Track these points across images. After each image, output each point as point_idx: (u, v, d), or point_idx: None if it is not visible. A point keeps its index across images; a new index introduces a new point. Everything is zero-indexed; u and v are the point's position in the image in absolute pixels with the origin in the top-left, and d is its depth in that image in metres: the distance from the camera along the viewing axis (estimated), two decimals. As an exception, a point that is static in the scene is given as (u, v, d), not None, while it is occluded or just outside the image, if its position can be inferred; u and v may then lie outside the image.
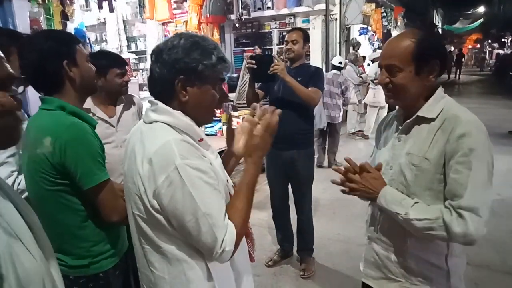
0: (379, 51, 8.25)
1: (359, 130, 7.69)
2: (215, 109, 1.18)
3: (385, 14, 12.43)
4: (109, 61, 2.14)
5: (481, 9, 20.98)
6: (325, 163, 5.95)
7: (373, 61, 7.92)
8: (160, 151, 1.00)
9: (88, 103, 2.09)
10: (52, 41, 1.33)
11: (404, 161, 1.27)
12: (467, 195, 1.14)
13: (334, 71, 5.96)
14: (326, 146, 5.95)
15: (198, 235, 1.00)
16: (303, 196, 2.98)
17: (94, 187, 1.30)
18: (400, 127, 1.34)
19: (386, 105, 7.33)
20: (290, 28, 10.83)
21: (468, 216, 1.13)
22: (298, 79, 2.66)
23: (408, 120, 1.29)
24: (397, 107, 1.38)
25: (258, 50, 6.71)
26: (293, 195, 3.02)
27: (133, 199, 1.09)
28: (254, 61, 2.45)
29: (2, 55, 0.72)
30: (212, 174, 1.04)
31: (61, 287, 0.85)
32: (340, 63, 6.13)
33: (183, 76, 1.06)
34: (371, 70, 7.63)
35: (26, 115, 1.75)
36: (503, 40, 18.91)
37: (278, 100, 2.73)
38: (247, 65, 2.49)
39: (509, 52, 13.81)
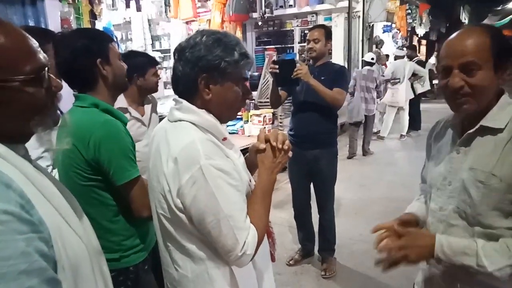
0: (402, 49, 8.06)
1: (378, 131, 7.56)
2: (239, 106, 1.18)
3: (409, 11, 12.14)
4: (147, 61, 2.23)
5: (511, 5, 20.23)
6: (359, 151, 6.38)
7: (395, 58, 7.77)
8: (185, 150, 1.00)
9: (123, 102, 2.16)
10: (86, 39, 1.36)
11: (468, 177, 1.10)
12: None
13: (368, 67, 6.29)
14: (363, 136, 6.41)
15: (218, 236, 1.00)
16: (326, 196, 2.97)
17: (126, 183, 1.34)
18: (457, 137, 1.17)
19: (407, 107, 7.20)
20: (311, 26, 10.79)
21: None
22: (322, 78, 2.64)
23: (470, 131, 1.12)
24: (452, 113, 1.21)
25: (272, 54, 6.69)
26: (315, 194, 3.00)
27: (157, 198, 1.09)
28: (276, 66, 2.44)
29: (37, 45, 0.74)
30: (236, 176, 1.04)
31: (106, 269, 0.87)
32: (373, 59, 6.41)
33: (206, 74, 1.06)
34: (389, 69, 7.50)
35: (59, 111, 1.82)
36: (534, 37, 18.19)
37: (301, 101, 2.73)
38: (270, 70, 2.50)
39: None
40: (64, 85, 1.38)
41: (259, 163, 1.16)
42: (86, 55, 1.34)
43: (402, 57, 7.46)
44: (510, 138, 1.06)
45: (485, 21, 17.01)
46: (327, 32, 2.82)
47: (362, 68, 6.52)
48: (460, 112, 1.12)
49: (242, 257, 1.01)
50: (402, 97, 6.97)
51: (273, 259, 1.31)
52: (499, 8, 19.99)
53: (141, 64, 2.17)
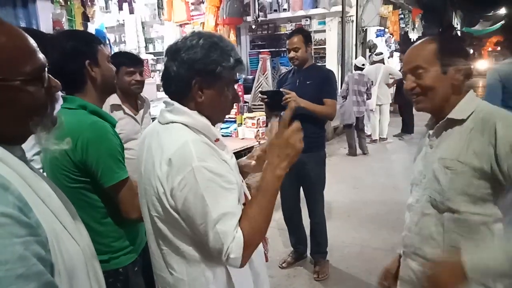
0: (380, 54, 8.22)
1: (369, 134, 7.60)
2: (228, 110, 1.19)
3: (402, 16, 12.27)
4: (121, 60, 2.16)
5: (502, 10, 20.51)
6: (359, 151, 6.68)
7: (371, 63, 7.98)
8: (178, 152, 1.00)
9: (117, 100, 2.15)
10: (74, 41, 1.36)
11: (437, 166, 1.22)
12: None
13: (359, 72, 6.56)
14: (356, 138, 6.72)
15: (207, 239, 1.00)
16: (314, 199, 2.95)
17: (114, 185, 1.33)
18: (431, 132, 1.30)
19: (386, 109, 7.39)
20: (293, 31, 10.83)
21: None
22: (308, 82, 2.64)
23: (438, 124, 1.26)
24: (428, 118, 1.35)
25: (266, 58, 6.78)
26: (305, 198, 3.00)
27: (150, 201, 1.09)
28: (265, 96, 2.52)
29: (35, 45, 0.74)
30: (229, 178, 1.03)
31: (100, 273, 0.86)
32: (363, 65, 6.80)
33: (201, 77, 1.06)
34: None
35: None
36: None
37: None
38: (259, 99, 2.53)
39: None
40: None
41: (267, 156, 1.09)
42: (74, 56, 1.33)
43: (378, 61, 7.63)
44: (473, 127, 1.17)
45: (477, 27, 17.23)
46: (306, 37, 2.76)
47: (353, 72, 6.71)
48: (419, 109, 1.27)
49: (228, 261, 0.99)
50: (373, 100, 7.09)
51: (266, 259, 1.31)
52: (490, 14, 20.27)
53: (113, 62, 2.13)
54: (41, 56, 0.74)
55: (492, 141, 1.11)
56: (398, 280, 1.39)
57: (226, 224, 0.98)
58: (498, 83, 2.79)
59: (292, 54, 2.72)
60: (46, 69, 0.75)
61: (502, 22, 17.60)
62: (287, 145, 1.07)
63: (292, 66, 2.86)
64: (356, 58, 9.72)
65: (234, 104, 1.27)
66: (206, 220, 0.98)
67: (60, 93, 1.41)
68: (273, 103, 2.48)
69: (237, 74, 1.14)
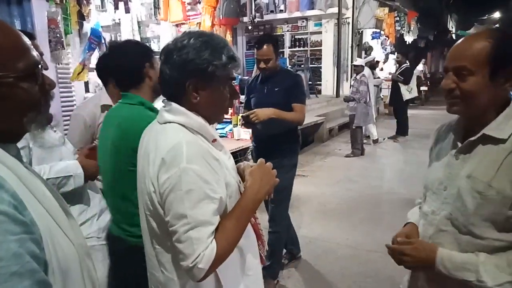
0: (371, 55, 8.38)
1: (368, 136, 7.63)
2: (226, 108, 1.18)
3: (398, 18, 12.33)
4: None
5: (497, 14, 20.70)
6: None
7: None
8: (171, 152, 1.00)
9: (108, 100, 2.15)
10: (139, 47, 1.67)
11: (465, 185, 1.09)
12: None
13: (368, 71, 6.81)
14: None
15: (177, 240, 0.99)
16: (277, 208, 2.73)
17: None
18: (458, 143, 1.15)
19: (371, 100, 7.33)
20: (300, 31, 10.83)
21: None
22: (276, 89, 2.60)
23: (472, 138, 1.09)
24: (456, 117, 1.21)
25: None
26: (269, 205, 2.79)
27: (144, 199, 1.09)
28: (241, 118, 2.59)
29: (30, 42, 0.75)
30: (215, 187, 1.02)
31: (94, 272, 0.86)
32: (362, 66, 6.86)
33: (194, 78, 1.05)
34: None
35: None
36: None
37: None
38: (240, 119, 2.58)
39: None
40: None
41: (248, 177, 1.15)
42: (139, 57, 1.59)
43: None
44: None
45: (471, 30, 17.36)
46: (275, 46, 2.64)
47: (366, 72, 6.75)
48: (450, 112, 1.13)
49: (193, 269, 0.97)
50: (372, 101, 7.24)
51: (262, 262, 1.29)
52: (485, 17, 20.44)
53: None
54: (34, 53, 0.75)
55: None
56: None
57: (201, 231, 0.97)
58: None
59: (262, 65, 2.62)
60: (39, 66, 0.75)
61: (496, 26, 17.75)
62: (263, 180, 1.16)
63: (259, 72, 2.78)
64: (352, 60, 9.77)
65: (234, 102, 1.25)
66: (181, 222, 0.98)
67: (53, 91, 1.44)
68: (248, 123, 2.52)
69: (233, 71, 1.12)
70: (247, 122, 2.51)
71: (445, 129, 1.27)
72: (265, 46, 2.58)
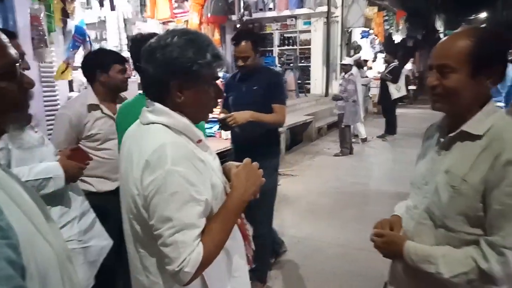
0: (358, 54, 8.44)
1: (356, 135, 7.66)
2: (211, 107, 1.15)
3: (387, 17, 12.43)
4: (112, 58, 2.17)
5: (483, 14, 21.01)
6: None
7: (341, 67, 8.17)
8: (154, 154, 0.98)
9: (94, 99, 2.12)
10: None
11: (442, 180, 1.14)
12: (511, 231, 1.01)
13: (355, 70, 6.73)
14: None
15: (163, 244, 0.97)
16: (262, 211, 2.61)
17: None
18: (441, 139, 1.20)
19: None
20: (289, 31, 10.82)
21: (511, 255, 1.01)
22: (254, 88, 2.48)
23: (451, 134, 1.14)
24: (442, 116, 1.24)
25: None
26: (252, 209, 2.77)
27: (128, 203, 1.07)
28: (220, 122, 2.47)
29: (7, 40, 0.73)
30: (201, 189, 1.00)
31: (75, 276, 0.84)
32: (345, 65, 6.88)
33: (178, 77, 1.03)
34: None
35: None
36: (504, 46, 18.92)
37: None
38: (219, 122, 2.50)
39: (510, 58, 13.86)
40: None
41: (234, 178, 1.13)
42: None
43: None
44: (486, 146, 1.06)
45: (459, 30, 17.58)
46: (255, 42, 2.47)
47: (354, 70, 6.72)
48: (434, 109, 1.16)
49: (179, 273, 0.96)
50: (360, 99, 7.29)
51: (249, 262, 1.28)
52: (472, 17, 20.75)
53: (104, 60, 2.13)
54: (12, 51, 0.73)
55: (491, 171, 1.04)
56: (389, 277, 1.38)
57: (186, 234, 0.96)
58: None
59: (240, 63, 2.46)
60: (18, 65, 0.74)
61: (483, 26, 18.03)
62: (249, 180, 1.14)
63: (237, 70, 2.64)
64: (341, 59, 9.81)
65: (219, 102, 1.22)
66: (167, 226, 0.96)
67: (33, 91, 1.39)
68: (225, 126, 2.41)
69: (217, 70, 1.10)
70: (224, 125, 2.39)
71: (433, 128, 1.31)
72: (243, 43, 2.42)
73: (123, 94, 2.32)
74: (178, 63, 1.01)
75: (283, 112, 2.53)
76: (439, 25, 18.67)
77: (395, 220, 1.33)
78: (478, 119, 1.10)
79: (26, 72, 0.77)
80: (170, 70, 1.02)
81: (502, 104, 4.10)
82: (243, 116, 2.31)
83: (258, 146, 2.49)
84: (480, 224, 1.08)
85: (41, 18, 3.56)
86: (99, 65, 2.12)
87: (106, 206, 1.81)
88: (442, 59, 1.09)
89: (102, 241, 1.78)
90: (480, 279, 1.06)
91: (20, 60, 0.76)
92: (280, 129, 6.05)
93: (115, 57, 2.20)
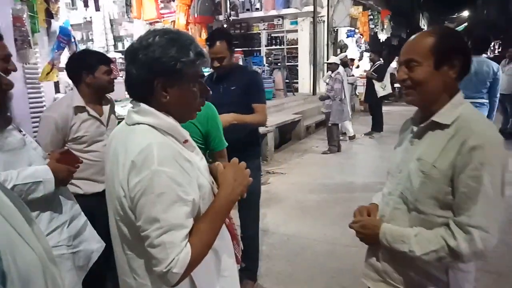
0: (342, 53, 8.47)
1: (344, 132, 7.73)
2: (198, 106, 1.15)
3: (372, 17, 12.57)
4: (97, 58, 2.15)
5: (466, 13, 21.40)
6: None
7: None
8: (141, 154, 0.97)
9: (80, 101, 2.10)
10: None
11: (414, 167, 1.24)
12: (476, 211, 1.11)
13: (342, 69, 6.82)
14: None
15: (150, 245, 0.97)
16: (248, 211, 2.61)
17: (221, 150, 1.98)
18: (414, 128, 1.31)
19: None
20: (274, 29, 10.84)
21: (476, 233, 1.10)
22: (232, 88, 2.43)
23: (422, 124, 1.26)
24: (398, 118, 1.37)
25: (238, 57, 6.93)
26: (238, 210, 2.65)
27: (114, 204, 1.06)
28: None
29: None
30: (188, 190, 1.00)
31: (59, 279, 0.83)
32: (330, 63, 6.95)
33: (162, 76, 1.02)
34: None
35: None
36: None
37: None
38: None
39: (492, 56, 14.17)
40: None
41: (221, 178, 1.14)
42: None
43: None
44: (454, 134, 1.16)
45: (442, 28, 17.90)
46: (230, 42, 2.41)
47: (341, 70, 6.76)
48: (407, 102, 1.28)
49: (167, 274, 0.95)
50: (348, 97, 7.38)
51: (238, 261, 1.28)
52: (455, 16, 21.12)
53: (89, 61, 2.11)
54: None
55: (458, 156, 1.13)
56: (364, 262, 1.47)
57: (174, 235, 0.96)
58: None
59: (216, 64, 2.38)
60: None
61: (465, 24, 18.35)
62: (237, 180, 1.15)
63: (213, 70, 2.55)
64: (327, 58, 9.87)
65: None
66: (154, 226, 0.96)
67: (12, 92, 1.37)
68: None
69: (201, 68, 1.10)
70: None
71: (408, 121, 1.41)
72: (217, 43, 2.34)
73: (109, 95, 2.31)
74: (161, 62, 1.01)
75: (264, 111, 2.51)
76: (423, 24, 18.94)
77: (372, 207, 1.43)
78: (446, 110, 1.20)
79: (12, 74, 0.76)
80: (153, 70, 1.02)
81: (485, 101, 4.20)
82: (225, 119, 2.26)
83: (241, 147, 2.43)
84: (449, 206, 1.18)
85: (24, 19, 3.50)
86: (84, 66, 2.10)
87: (94, 208, 1.80)
88: (409, 55, 1.21)
89: (93, 245, 1.76)
90: (449, 256, 1.15)
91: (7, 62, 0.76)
92: (266, 129, 6.04)
93: (101, 58, 2.17)
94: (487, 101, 4.20)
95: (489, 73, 4.10)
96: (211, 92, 1.18)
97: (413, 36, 1.26)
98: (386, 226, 1.29)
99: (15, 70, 1.64)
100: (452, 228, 1.15)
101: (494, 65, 4.20)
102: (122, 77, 5.58)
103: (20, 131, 1.58)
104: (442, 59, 1.17)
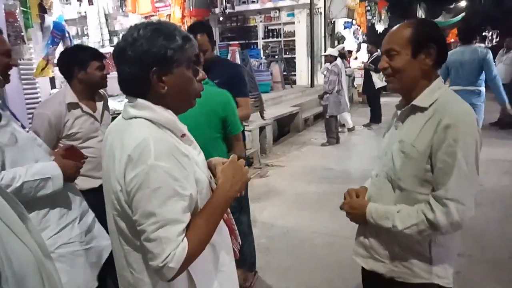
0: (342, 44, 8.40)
1: (343, 124, 7.72)
2: (195, 91, 1.12)
3: (369, 8, 12.50)
4: (89, 54, 2.13)
5: (463, 3, 21.31)
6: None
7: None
8: (137, 148, 0.97)
9: (73, 97, 2.08)
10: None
11: (395, 148, 1.34)
12: (451, 185, 1.20)
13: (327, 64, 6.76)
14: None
15: (146, 240, 0.97)
16: (237, 205, 2.47)
17: (237, 134, 2.09)
18: (398, 113, 1.41)
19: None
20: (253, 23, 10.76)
21: (452, 205, 1.20)
22: (215, 81, 2.38)
23: (403, 109, 1.36)
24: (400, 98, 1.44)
25: (235, 50, 6.85)
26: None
27: (110, 199, 1.06)
28: None
29: None
30: (185, 185, 0.99)
31: (56, 276, 0.83)
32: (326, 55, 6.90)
33: (155, 67, 1.02)
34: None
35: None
36: (483, 34, 19.30)
37: None
38: None
39: (490, 46, 14.13)
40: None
41: (220, 174, 1.13)
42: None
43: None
44: (431, 115, 1.26)
45: (439, 18, 17.84)
46: (210, 34, 2.39)
47: (338, 62, 6.74)
48: (389, 89, 1.39)
49: (163, 268, 0.95)
50: (345, 89, 7.35)
51: (235, 255, 1.28)
52: (452, 6, 21.04)
53: (81, 57, 2.08)
54: None
55: (435, 135, 1.23)
56: (355, 241, 1.56)
57: (169, 230, 0.95)
58: (444, 67, 3.10)
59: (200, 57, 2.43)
60: None
61: (463, 14, 18.26)
62: (236, 177, 1.14)
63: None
64: (325, 50, 9.83)
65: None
66: (150, 221, 0.95)
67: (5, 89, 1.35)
68: None
69: (192, 52, 1.08)
70: None
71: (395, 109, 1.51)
72: (198, 36, 2.28)
73: (102, 90, 2.29)
74: (152, 53, 1.00)
75: (248, 104, 2.52)
76: (420, 14, 18.85)
77: (361, 189, 1.54)
78: (425, 94, 1.30)
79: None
80: (146, 63, 1.01)
81: (476, 88, 4.23)
82: None
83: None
84: (429, 183, 1.27)
85: (16, 14, 3.46)
86: (76, 62, 2.07)
87: (91, 204, 1.79)
88: (389, 45, 1.32)
89: (103, 241, 1.76)
90: (428, 229, 1.24)
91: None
92: (265, 121, 6.01)
93: (93, 53, 2.15)
94: (480, 88, 4.24)
95: (476, 59, 4.19)
96: (204, 74, 1.15)
97: (393, 28, 1.37)
98: (372, 205, 1.39)
99: (17, 65, 1.62)
100: (430, 202, 1.24)
101: (481, 50, 4.29)
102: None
103: (24, 127, 1.56)
104: (419, 48, 1.27)
